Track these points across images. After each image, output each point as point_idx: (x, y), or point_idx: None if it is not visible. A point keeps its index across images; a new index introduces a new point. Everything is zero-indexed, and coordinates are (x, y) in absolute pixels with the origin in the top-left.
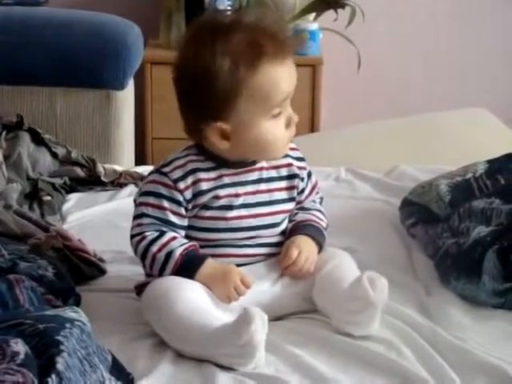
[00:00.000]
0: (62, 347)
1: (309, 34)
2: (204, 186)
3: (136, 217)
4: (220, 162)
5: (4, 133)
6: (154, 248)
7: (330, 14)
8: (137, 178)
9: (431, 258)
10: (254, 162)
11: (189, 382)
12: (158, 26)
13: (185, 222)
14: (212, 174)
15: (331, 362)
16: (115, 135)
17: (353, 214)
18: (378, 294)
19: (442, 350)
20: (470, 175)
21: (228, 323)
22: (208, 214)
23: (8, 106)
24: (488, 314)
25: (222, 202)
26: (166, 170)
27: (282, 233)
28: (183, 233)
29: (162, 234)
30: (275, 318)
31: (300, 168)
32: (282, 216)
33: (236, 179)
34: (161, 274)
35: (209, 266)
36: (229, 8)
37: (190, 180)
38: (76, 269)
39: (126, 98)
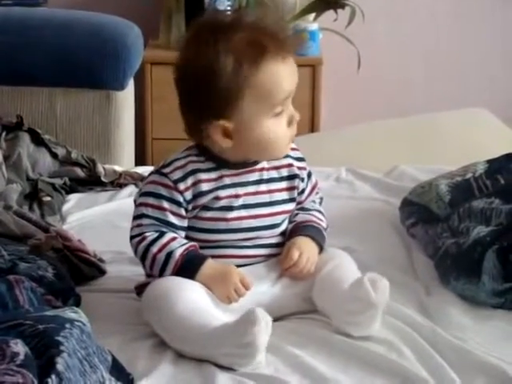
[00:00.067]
0: (61, 348)
1: (309, 34)
2: (204, 186)
3: (136, 217)
4: (220, 163)
5: (4, 133)
6: (154, 249)
7: (329, 14)
8: (137, 179)
9: (431, 257)
10: (254, 163)
11: (189, 382)
12: (157, 26)
13: (185, 223)
14: (212, 175)
15: (331, 363)
16: (115, 135)
17: (353, 214)
18: (380, 295)
19: (442, 350)
20: (469, 175)
21: (229, 323)
22: (208, 214)
23: (8, 107)
24: (488, 314)
25: (223, 202)
26: (166, 170)
27: (282, 233)
28: (183, 234)
29: (162, 234)
30: (275, 319)
31: (300, 168)
32: (282, 217)
33: (236, 180)
34: (161, 274)
35: (209, 266)
36: (228, 8)
37: (190, 181)
38: (76, 269)
39: (125, 99)
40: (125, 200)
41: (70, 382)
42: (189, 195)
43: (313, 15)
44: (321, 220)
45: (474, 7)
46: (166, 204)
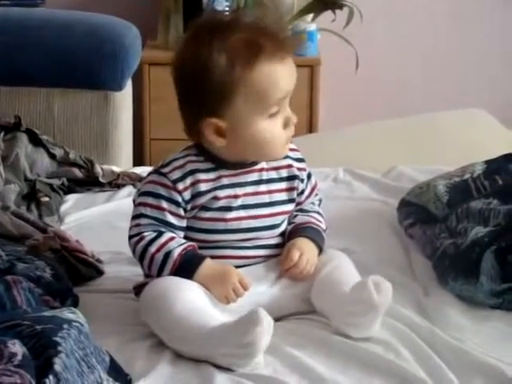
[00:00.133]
0: (59, 348)
1: (307, 34)
2: (203, 186)
3: (134, 217)
4: (219, 163)
5: (2, 134)
6: (153, 248)
7: (327, 15)
8: (135, 179)
9: (429, 258)
10: (253, 163)
11: (187, 382)
12: (156, 26)
13: (183, 223)
14: (211, 175)
15: (330, 363)
16: (113, 136)
17: (351, 215)
18: (382, 297)
19: (440, 351)
20: (467, 176)
21: (228, 322)
22: (207, 215)
23: (6, 107)
24: (486, 314)
25: (221, 203)
26: (165, 170)
27: (281, 234)
28: (182, 234)
29: (161, 234)
30: (274, 319)
31: (300, 169)
32: (281, 217)
33: (235, 180)
34: (159, 274)
35: (207, 266)
36: (227, 9)
37: (188, 181)
38: (74, 270)
39: (123, 99)
40: (123, 200)
41: (67, 383)
42: (187, 195)
43: (311, 16)
44: (320, 222)
45: (473, 8)
46: (164, 204)
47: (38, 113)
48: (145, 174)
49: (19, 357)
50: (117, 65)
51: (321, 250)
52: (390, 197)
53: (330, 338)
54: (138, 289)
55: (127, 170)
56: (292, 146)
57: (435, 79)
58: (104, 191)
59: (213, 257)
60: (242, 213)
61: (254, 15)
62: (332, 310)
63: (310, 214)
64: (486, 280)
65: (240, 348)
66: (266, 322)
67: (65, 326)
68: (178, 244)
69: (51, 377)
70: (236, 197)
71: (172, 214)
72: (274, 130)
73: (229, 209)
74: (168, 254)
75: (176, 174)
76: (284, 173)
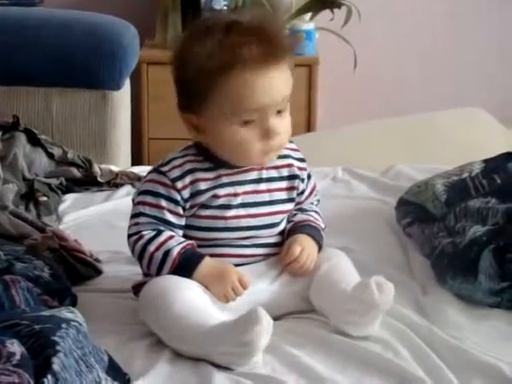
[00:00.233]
0: (58, 348)
1: (305, 33)
2: (202, 185)
3: (133, 216)
4: (218, 163)
5: (0, 133)
6: (152, 247)
7: (326, 14)
8: (133, 179)
9: (427, 257)
10: None
11: (185, 381)
12: (154, 26)
13: (182, 222)
14: (210, 174)
15: (328, 362)
16: (111, 135)
17: (349, 214)
18: (384, 297)
19: (439, 350)
20: (466, 175)
21: (228, 321)
22: (206, 213)
23: (4, 107)
24: (484, 313)
25: (221, 201)
26: (165, 169)
27: (280, 233)
28: (181, 232)
29: (159, 232)
30: (273, 318)
31: (300, 169)
32: (280, 216)
33: (234, 179)
34: (158, 273)
35: (207, 264)
36: (225, 8)
37: (187, 179)
38: (72, 269)
39: (122, 99)
40: (121, 200)
41: (66, 382)
42: (186, 194)
43: (309, 15)
44: (318, 220)
45: (471, 6)
46: (163, 202)
47: (37, 112)
48: (143, 174)
49: (18, 356)
50: (115, 64)
51: (320, 247)
52: (388, 196)
53: (329, 337)
54: (137, 288)
55: (125, 169)
56: (293, 145)
57: (433, 78)
58: (102, 191)
59: (212, 255)
60: (242, 211)
61: (253, 17)
62: (331, 308)
63: (308, 212)
64: (484, 279)
65: (239, 347)
66: (266, 321)
67: (63, 325)
68: (177, 243)
69: (50, 376)
70: (236, 195)
71: (171, 212)
72: (247, 138)
73: (228, 207)
74: (167, 253)
75: (175, 173)
76: (285, 172)
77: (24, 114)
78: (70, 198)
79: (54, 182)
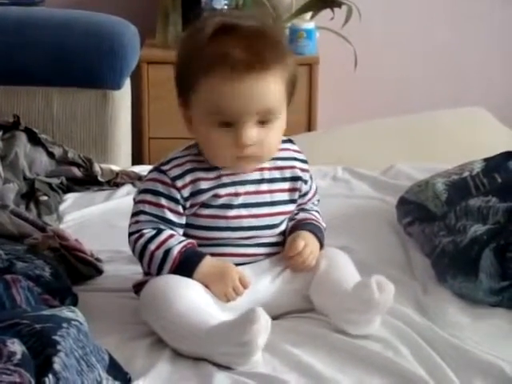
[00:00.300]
0: (58, 347)
1: (305, 32)
2: (203, 184)
3: (134, 214)
4: None
5: (0, 133)
6: (152, 246)
7: (326, 13)
8: (134, 178)
9: (428, 256)
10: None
11: (186, 381)
12: (154, 25)
13: (182, 220)
14: (211, 174)
15: (329, 361)
16: (112, 135)
17: (350, 213)
18: (384, 296)
19: (440, 349)
20: (466, 174)
21: (227, 321)
22: (207, 212)
23: (4, 106)
24: (485, 312)
25: (222, 200)
26: (165, 168)
27: (282, 233)
28: (181, 231)
29: (160, 231)
30: (273, 317)
31: (303, 170)
32: (281, 217)
33: (235, 179)
34: (159, 272)
35: (207, 264)
36: (225, 7)
37: (188, 178)
38: (73, 269)
39: (122, 98)
40: (122, 199)
41: (67, 382)
42: (186, 192)
43: (309, 14)
44: (320, 220)
45: (472, 6)
46: (163, 201)
47: (37, 112)
48: (144, 173)
49: (18, 356)
50: (115, 63)
51: (322, 246)
52: (388, 195)
53: (330, 336)
54: (138, 287)
55: (126, 168)
56: (296, 147)
57: (434, 77)
58: (103, 190)
59: (213, 254)
60: (243, 211)
61: (255, 22)
62: (331, 307)
63: (310, 212)
64: (485, 278)
65: (238, 347)
66: (263, 320)
67: (64, 324)
68: (177, 241)
69: (50, 376)
70: (237, 195)
71: (171, 211)
72: (219, 141)
73: (230, 206)
74: (168, 252)
75: (175, 172)
76: (287, 173)
77: (25, 113)
78: (70, 198)
79: (54, 181)
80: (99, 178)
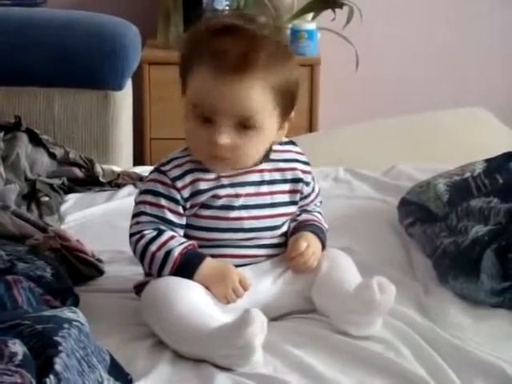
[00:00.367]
0: (60, 348)
1: (307, 33)
2: (202, 185)
3: (134, 215)
4: None
5: (2, 134)
6: (153, 247)
7: (327, 14)
8: (135, 179)
9: (429, 257)
10: (251, 165)
11: (187, 382)
12: (155, 26)
13: (183, 221)
14: (210, 175)
15: (330, 362)
16: (113, 136)
17: (351, 214)
18: (385, 297)
19: (441, 350)
20: (468, 174)
21: (227, 324)
22: (208, 213)
23: (6, 107)
24: (486, 313)
25: (222, 201)
26: (165, 168)
27: (283, 235)
28: (181, 231)
29: (161, 232)
30: (274, 318)
31: (305, 172)
32: (282, 219)
33: (235, 180)
34: (159, 273)
35: (208, 265)
36: (227, 8)
37: (188, 179)
38: (74, 269)
39: (123, 99)
40: (123, 200)
41: (68, 382)
42: (186, 193)
43: (311, 15)
44: (322, 221)
45: (473, 7)
46: (163, 201)
47: (38, 112)
48: (145, 174)
49: (20, 356)
50: (117, 64)
51: (324, 247)
52: (390, 196)
53: (331, 337)
54: (139, 288)
55: (127, 169)
56: (298, 149)
57: (435, 78)
58: (104, 191)
59: (214, 255)
60: (244, 213)
61: (259, 26)
62: (333, 307)
63: (313, 213)
64: (486, 278)
65: (237, 349)
66: (259, 320)
67: (65, 325)
68: (178, 243)
69: (52, 376)
70: (237, 196)
71: (171, 211)
72: (197, 135)
73: (230, 208)
74: (168, 253)
75: (175, 172)
76: (288, 175)
77: (26, 114)
78: (71, 198)
79: (55, 182)
80: (100, 179)
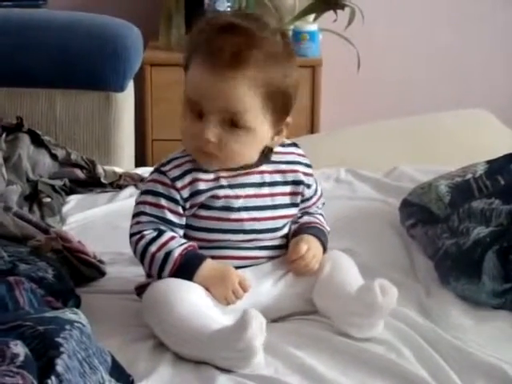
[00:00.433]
0: (61, 349)
1: (308, 35)
2: (201, 185)
3: (135, 215)
4: None
5: (4, 135)
6: (153, 248)
7: (329, 15)
8: (137, 180)
9: (431, 258)
10: (251, 166)
11: (188, 383)
12: (157, 27)
13: (183, 221)
14: (210, 176)
15: (331, 364)
16: (115, 137)
17: (352, 215)
18: (387, 300)
19: (443, 351)
20: (469, 176)
21: (226, 327)
22: (207, 213)
23: (8, 108)
24: (488, 314)
25: (222, 202)
26: (165, 168)
27: (284, 237)
28: (181, 232)
29: (161, 233)
30: (275, 319)
31: (306, 174)
32: (283, 221)
33: (234, 181)
34: (159, 273)
35: (208, 267)
36: (228, 9)
37: (187, 179)
38: (76, 270)
39: (125, 100)
40: (125, 201)
41: (69, 383)
42: (186, 193)
43: (312, 16)
44: (324, 223)
45: (475, 8)
46: (163, 202)
47: (40, 113)
48: (147, 175)
49: (21, 358)
50: (119, 66)
51: (325, 250)
52: (391, 197)
53: (332, 339)
54: (140, 289)
55: (129, 170)
56: (300, 151)
57: (437, 79)
58: (106, 192)
59: (213, 257)
60: (244, 214)
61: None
62: (334, 309)
63: (315, 215)
64: (488, 280)
65: (237, 352)
66: (257, 322)
67: (67, 326)
68: (178, 244)
69: (53, 377)
70: (237, 197)
71: (171, 211)
72: (188, 127)
73: (230, 209)
74: (168, 254)
75: (175, 172)
76: (289, 177)
77: (28, 115)
78: (73, 200)
79: (57, 183)
80: (102, 180)
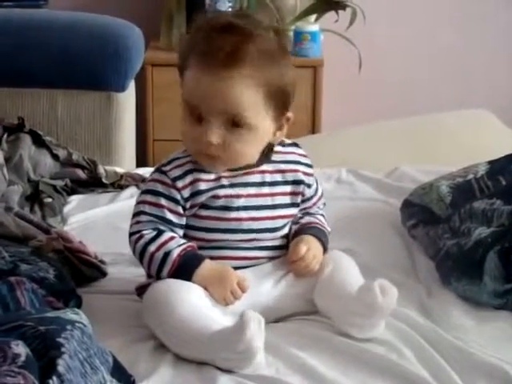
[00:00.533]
0: (62, 349)
1: (310, 35)
2: (202, 185)
3: (134, 215)
4: None
5: (5, 135)
6: (152, 248)
7: (330, 16)
8: (138, 180)
9: (432, 259)
10: (252, 166)
11: None
12: (159, 27)
13: (182, 221)
14: (211, 176)
15: (332, 364)
16: (116, 137)
17: (353, 215)
18: (387, 300)
19: (444, 351)
20: (470, 176)
21: (226, 328)
22: (207, 213)
23: (9, 108)
24: (489, 315)
25: (222, 202)
26: (166, 168)
27: (284, 237)
28: (181, 232)
29: (160, 233)
30: (276, 320)
31: (307, 174)
32: (283, 221)
33: (235, 181)
34: (158, 273)
35: (206, 267)
36: (230, 9)
37: (188, 179)
38: (77, 271)
39: (126, 100)
40: (126, 201)
41: None
42: (186, 193)
43: (314, 16)
44: (325, 224)
45: (477, 8)
46: (163, 201)
47: (42, 114)
48: (148, 175)
49: (23, 358)
50: (120, 66)
51: (325, 250)
52: (392, 197)
53: (333, 339)
54: (141, 290)
55: (130, 170)
56: (301, 151)
57: (439, 79)
58: (107, 192)
59: (213, 257)
60: (243, 214)
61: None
62: (335, 310)
63: (315, 216)
64: (489, 280)
65: (237, 353)
66: (255, 323)
67: (68, 326)
68: (177, 244)
69: (54, 378)
70: (238, 197)
71: (171, 211)
72: (189, 132)
73: (229, 208)
74: (167, 254)
75: (176, 172)
76: (290, 177)
77: (29, 115)
78: (74, 200)
79: (58, 183)
80: (103, 180)
